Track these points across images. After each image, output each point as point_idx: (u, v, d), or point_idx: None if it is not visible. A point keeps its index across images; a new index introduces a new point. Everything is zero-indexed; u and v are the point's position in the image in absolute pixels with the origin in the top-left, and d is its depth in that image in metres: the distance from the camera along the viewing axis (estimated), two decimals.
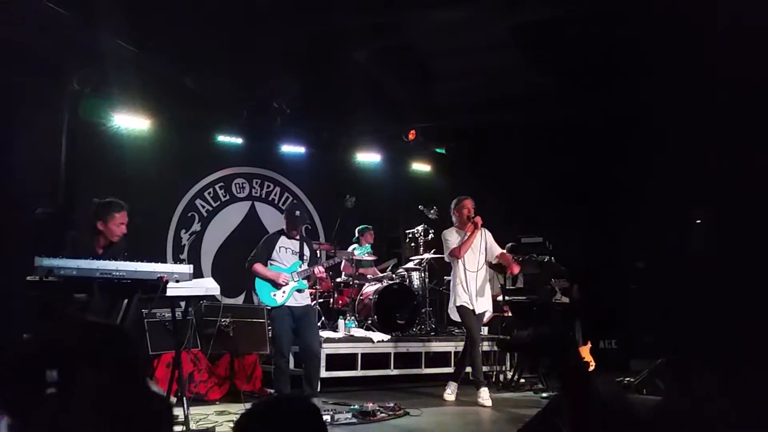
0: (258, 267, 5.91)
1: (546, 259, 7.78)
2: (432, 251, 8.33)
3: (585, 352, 7.77)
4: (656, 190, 9.12)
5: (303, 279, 5.97)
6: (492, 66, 8.23)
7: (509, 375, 7.82)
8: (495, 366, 7.97)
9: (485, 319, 7.11)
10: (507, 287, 7.71)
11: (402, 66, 8.41)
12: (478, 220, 6.50)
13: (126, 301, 4.42)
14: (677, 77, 7.75)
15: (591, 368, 7.71)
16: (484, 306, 6.60)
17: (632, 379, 7.15)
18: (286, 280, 5.87)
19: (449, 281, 9.20)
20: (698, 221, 9.01)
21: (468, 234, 6.52)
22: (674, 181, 8.82)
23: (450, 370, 7.88)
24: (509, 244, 8.39)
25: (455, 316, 6.69)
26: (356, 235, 8.51)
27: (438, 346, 7.86)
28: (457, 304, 6.51)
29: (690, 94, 7.97)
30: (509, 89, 8.65)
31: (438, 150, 10.69)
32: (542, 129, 9.36)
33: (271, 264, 5.94)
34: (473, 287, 6.50)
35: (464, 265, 6.52)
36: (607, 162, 9.35)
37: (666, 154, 8.94)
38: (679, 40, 7.14)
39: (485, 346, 7.96)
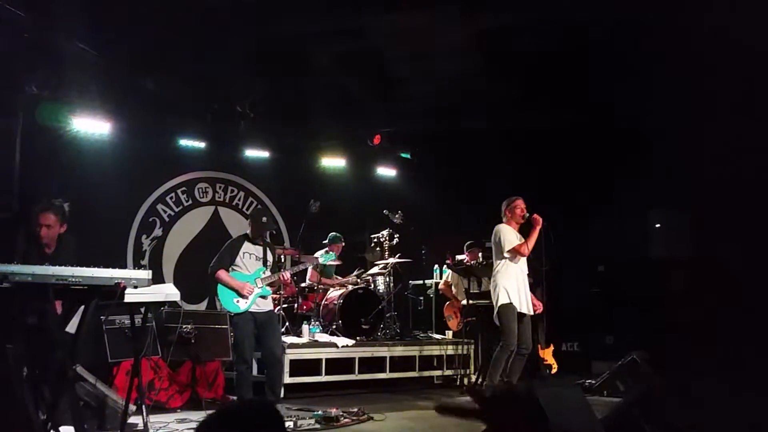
0: (222, 274, 5.84)
1: None
2: (397, 255, 8.34)
3: (548, 354, 7.86)
4: (619, 193, 9.28)
5: (267, 285, 5.92)
6: (456, 71, 8.29)
7: (473, 378, 7.85)
8: (459, 369, 8.01)
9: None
10: (471, 291, 7.74)
11: (366, 70, 8.42)
12: (539, 217, 6.35)
13: (83, 307, 4.33)
14: (639, 81, 7.91)
15: (554, 371, 7.81)
16: (527, 309, 6.36)
17: (593, 381, 7.24)
18: (251, 291, 5.81)
19: (414, 285, 9.27)
20: (657, 225, 9.19)
21: (528, 233, 6.36)
22: (637, 184, 8.98)
23: (415, 374, 7.90)
24: (468, 242, 8.44)
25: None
26: (327, 240, 8.46)
27: (403, 351, 7.87)
28: (508, 302, 6.23)
29: (652, 97, 8.13)
30: (474, 94, 8.72)
31: (403, 155, 10.73)
32: (506, 133, 9.45)
33: (234, 270, 5.87)
34: (525, 288, 6.37)
35: (520, 265, 6.37)
36: (570, 165, 9.48)
37: (629, 157, 9.10)
38: (638, 45, 7.29)
39: (449, 350, 8.02)
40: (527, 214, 6.43)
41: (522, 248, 6.31)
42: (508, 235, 6.40)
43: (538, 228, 6.32)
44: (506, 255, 6.34)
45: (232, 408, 2.15)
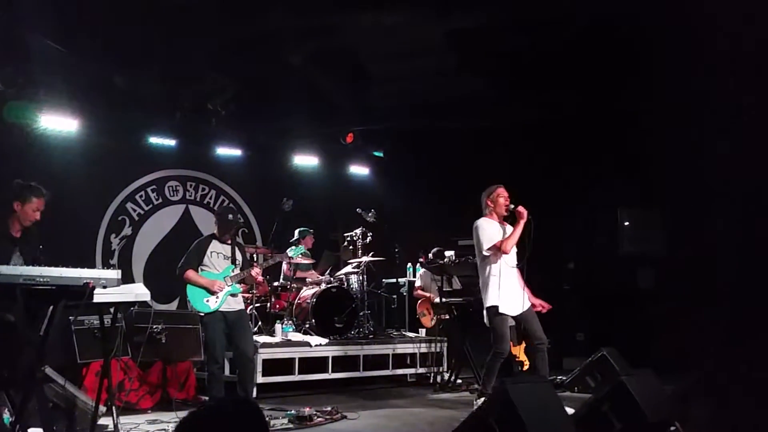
0: (190, 274, 5.77)
1: None
2: (370, 254, 8.34)
3: (520, 351, 7.91)
4: (590, 191, 9.40)
5: (237, 283, 5.87)
6: (429, 69, 8.32)
7: (446, 376, 7.88)
8: (432, 367, 8.04)
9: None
10: (444, 289, 7.76)
11: (339, 68, 8.40)
12: (523, 210, 5.67)
13: (51, 308, 4.26)
14: (614, 79, 8.01)
15: (525, 367, 7.86)
16: (521, 306, 5.70)
17: (564, 378, 7.32)
18: (221, 287, 5.75)
19: (389, 283, 9.27)
20: (627, 223, 9.33)
21: (512, 225, 5.74)
22: (607, 182, 9.11)
23: (388, 372, 7.91)
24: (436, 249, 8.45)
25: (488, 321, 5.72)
26: (296, 236, 8.43)
27: (376, 349, 7.87)
28: (491, 304, 5.63)
29: (625, 94, 8.24)
30: (446, 92, 8.76)
31: (376, 153, 10.74)
32: (478, 131, 9.51)
33: (202, 270, 5.80)
34: (513, 285, 5.70)
35: (504, 261, 5.69)
36: (541, 163, 9.58)
37: (600, 156, 9.22)
38: (615, 41, 7.36)
39: (422, 348, 8.04)
40: (512, 206, 5.76)
41: (504, 245, 5.64)
42: (488, 230, 5.74)
43: (523, 222, 5.64)
44: (486, 253, 5.71)
45: (216, 405, 2.14)
